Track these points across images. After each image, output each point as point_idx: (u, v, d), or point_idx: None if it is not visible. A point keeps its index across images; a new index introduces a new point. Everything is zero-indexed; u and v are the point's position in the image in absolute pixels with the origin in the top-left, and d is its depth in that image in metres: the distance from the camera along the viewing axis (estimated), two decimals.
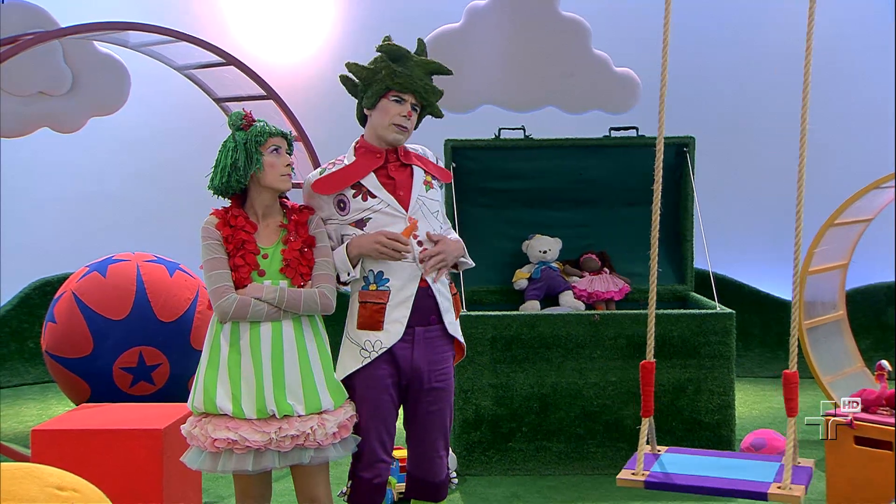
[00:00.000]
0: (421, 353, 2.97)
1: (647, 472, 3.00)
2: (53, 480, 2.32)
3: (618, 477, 3.02)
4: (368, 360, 2.92)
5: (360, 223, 2.96)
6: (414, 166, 3.04)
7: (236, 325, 2.85)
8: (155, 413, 3.88)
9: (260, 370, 2.81)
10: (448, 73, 3.06)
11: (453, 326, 3.04)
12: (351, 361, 2.95)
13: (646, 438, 3.09)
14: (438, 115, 3.08)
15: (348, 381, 2.97)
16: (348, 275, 2.93)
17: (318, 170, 3.05)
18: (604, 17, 6.41)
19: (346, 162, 3.01)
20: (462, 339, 3.10)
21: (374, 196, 2.96)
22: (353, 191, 2.96)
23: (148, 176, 7.68)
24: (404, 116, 2.94)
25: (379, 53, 3.00)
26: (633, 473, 2.99)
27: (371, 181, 2.97)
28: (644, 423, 3.07)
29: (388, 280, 2.93)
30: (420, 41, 3.09)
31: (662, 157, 5.25)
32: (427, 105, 3.00)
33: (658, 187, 3.19)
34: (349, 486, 3.02)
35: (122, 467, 3.55)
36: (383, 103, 2.96)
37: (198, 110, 6.64)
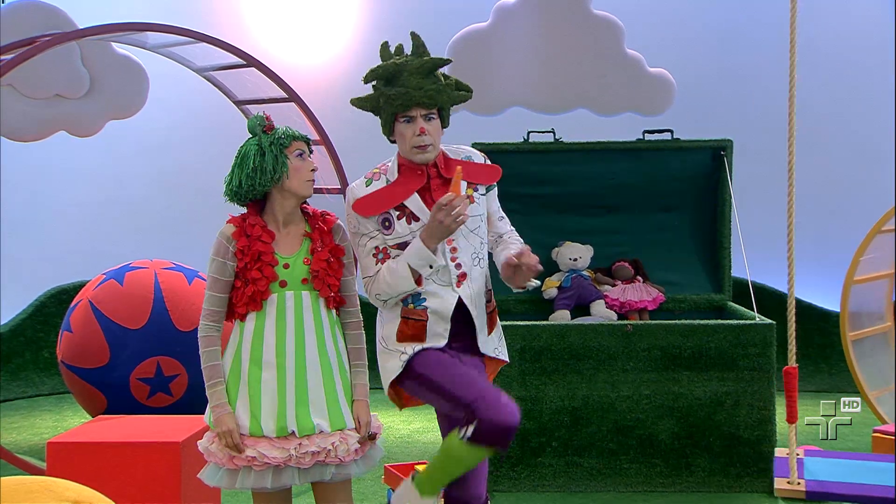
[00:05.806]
0: None
1: (802, 481, 2.90)
2: (70, 494, 2.32)
3: (776, 487, 2.92)
4: (408, 357, 2.89)
5: (403, 246, 2.88)
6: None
7: (259, 339, 2.81)
8: (173, 425, 3.89)
9: (283, 386, 2.78)
10: (447, 62, 2.92)
11: (483, 343, 3.01)
12: (394, 365, 2.90)
13: (795, 444, 2.99)
14: (463, 100, 2.97)
15: (398, 384, 2.92)
16: (430, 267, 2.84)
17: (363, 180, 2.96)
18: (637, 16, 6.41)
19: (390, 177, 2.94)
20: (492, 354, 3.04)
21: (417, 219, 2.90)
22: (398, 212, 2.90)
23: (166, 181, 7.69)
24: (419, 136, 2.87)
25: (373, 82, 2.92)
26: (788, 482, 2.89)
27: (415, 203, 2.90)
28: (791, 430, 2.95)
29: (424, 300, 2.90)
30: (413, 36, 2.95)
31: (695, 159, 5.26)
32: (441, 107, 2.90)
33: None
34: (474, 425, 2.68)
35: (139, 481, 3.57)
36: (397, 128, 2.89)
37: (218, 113, 6.69)
